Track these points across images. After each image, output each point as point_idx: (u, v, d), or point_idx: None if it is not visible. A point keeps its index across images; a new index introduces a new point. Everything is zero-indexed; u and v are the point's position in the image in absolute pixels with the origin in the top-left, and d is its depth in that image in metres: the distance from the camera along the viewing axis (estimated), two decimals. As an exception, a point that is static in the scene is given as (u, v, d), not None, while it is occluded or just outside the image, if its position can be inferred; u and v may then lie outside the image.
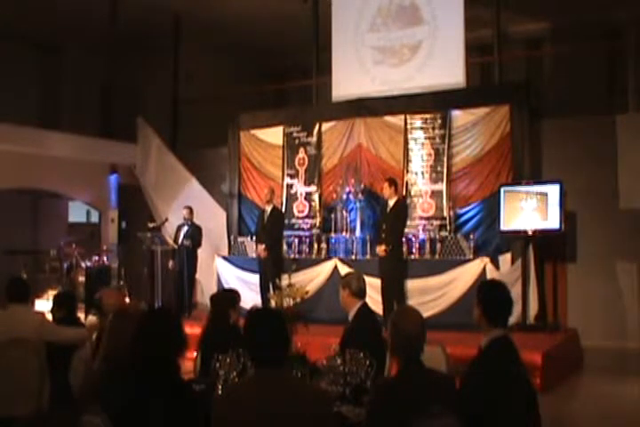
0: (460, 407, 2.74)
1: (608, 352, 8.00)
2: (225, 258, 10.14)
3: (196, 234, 9.69)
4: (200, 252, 9.85)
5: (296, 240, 9.72)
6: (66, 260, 10.45)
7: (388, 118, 9.73)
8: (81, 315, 5.46)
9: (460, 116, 9.27)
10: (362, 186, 9.63)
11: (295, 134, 10.43)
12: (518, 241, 8.32)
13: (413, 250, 8.85)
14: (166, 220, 10.37)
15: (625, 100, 9.56)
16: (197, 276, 10.08)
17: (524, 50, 12.32)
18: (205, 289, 10.44)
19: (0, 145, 9.80)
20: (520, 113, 8.85)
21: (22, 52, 12.12)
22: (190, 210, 9.79)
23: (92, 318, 4.70)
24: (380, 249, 8.19)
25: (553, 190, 7.98)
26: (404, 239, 8.57)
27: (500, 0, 9.67)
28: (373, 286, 7.84)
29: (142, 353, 2.68)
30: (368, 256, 8.99)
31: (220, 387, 3.42)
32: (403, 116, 9.56)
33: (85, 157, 11.26)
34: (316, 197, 10.14)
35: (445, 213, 9.07)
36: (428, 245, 8.80)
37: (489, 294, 3.18)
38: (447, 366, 4.08)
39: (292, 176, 10.40)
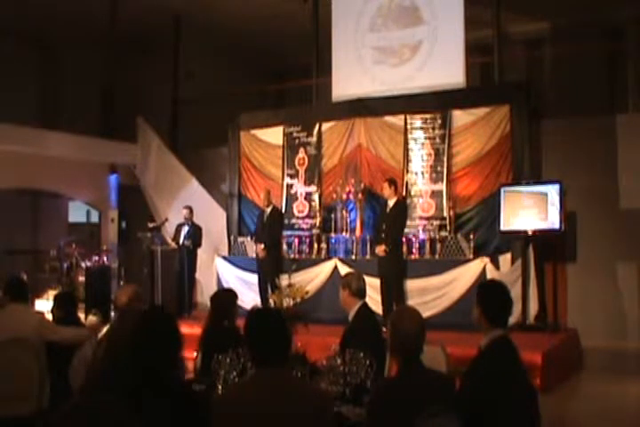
0: (459, 407, 2.74)
1: (608, 352, 8.00)
2: (225, 258, 10.14)
3: (196, 234, 9.69)
4: (200, 252, 9.85)
5: (296, 240, 9.72)
6: (66, 260, 10.41)
7: (388, 118, 9.72)
8: (81, 315, 5.45)
9: (459, 116, 9.27)
10: (362, 186, 9.62)
11: (295, 134, 10.43)
12: (518, 241, 8.32)
13: (413, 250, 8.85)
14: (166, 220, 10.37)
15: (625, 100, 9.58)
16: (197, 276, 10.09)
17: (524, 50, 12.31)
18: (205, 289, 10.44)
19: (0, 145, 9.80)
20: (520, 113, 8.84)
21: (22, 51, 12.10)
22: (190, 210, 9.79)
23: (92, 318, 4.68)
24: (380, 249, 8.19)
25: (553, 190, 7.98)
26: (403, 239, 8.58)
27: (500, 0, 9.67)
28: (373, 286, 7.84)
29: (141, 353, 2.68)
30: (368, 256, 9.00)
31: (219, 387, 3.42)
32: (403, 116, 9.56)
33: (85, 157, 11.25)
34: (316, 197, 10.14)
35: (445, 213, 9.07)
36: (427, 245, 8.80)
37: (489, 294, 3.19)
38: (447, 366, 4.08)
39: (292, 176, 10.40)
